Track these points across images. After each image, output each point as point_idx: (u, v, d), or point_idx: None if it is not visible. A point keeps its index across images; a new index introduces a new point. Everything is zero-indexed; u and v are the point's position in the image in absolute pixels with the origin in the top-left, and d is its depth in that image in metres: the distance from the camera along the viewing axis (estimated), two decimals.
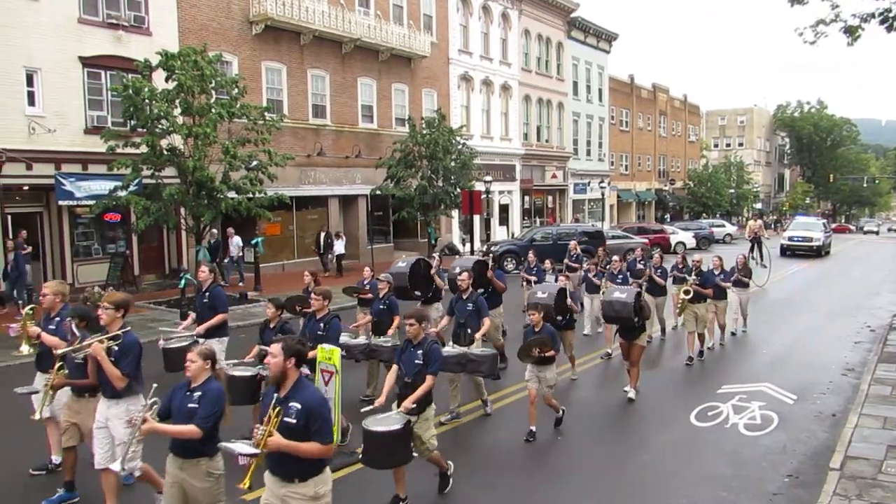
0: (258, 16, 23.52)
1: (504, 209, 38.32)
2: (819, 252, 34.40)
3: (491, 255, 13.37)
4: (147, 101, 16.31)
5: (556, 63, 42.40)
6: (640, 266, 15.22)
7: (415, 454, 6.44)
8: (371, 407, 6.68)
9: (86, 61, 19.01)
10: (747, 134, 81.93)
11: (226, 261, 21.24)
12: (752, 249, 26.44)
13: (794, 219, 44.21)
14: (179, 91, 16.48)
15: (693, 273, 13.03)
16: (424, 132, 25.69)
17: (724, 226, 48.43)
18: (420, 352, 6.66)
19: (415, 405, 6.45)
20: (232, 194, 17.49)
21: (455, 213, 30.08)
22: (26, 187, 18.42)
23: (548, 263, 15.11)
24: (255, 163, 17.52)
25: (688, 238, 38.06)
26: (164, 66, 16.57)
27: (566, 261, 17.11)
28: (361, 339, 9.68)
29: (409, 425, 6.29)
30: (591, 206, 47.14)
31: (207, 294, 9.14)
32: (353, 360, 9.67)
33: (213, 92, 17.54)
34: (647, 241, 32.56)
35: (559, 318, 10.17)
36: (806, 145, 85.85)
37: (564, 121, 43.42)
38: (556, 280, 12.96)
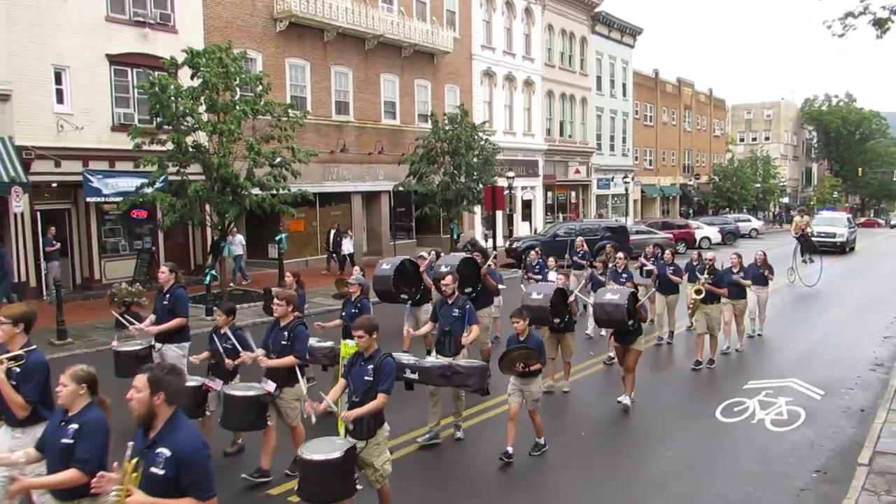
0: (282, 13, 23.66)
1: (527, 205, 38.21)
2: (843, 248, 33.24)
3: (476, 250, 11.74)
4: (173, 98, 16.46)
5: (579, 58, 42.15)
6: (648, 266, 14.35)
7: (359, 486, 5.62)
8: (306, 416, 6.19)
9: (113, 59, 19.26)
10: (774, 128, 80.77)
11: (230, 259, 20.68)
12: (801, 251, 23.38)
13: (817, 213, 43.13)
14: (204, 88, 16.62)
15: (706, 272, 12.01)
16: (447, 128, 25.69)
17: (749, 220, 47.89)
18: (371, 367, 5.79)
19: (353, 424, 5.75)
20: (256, 191, 17.62)
21: (478, 208, 30.05)
22: (55, 184, 18.72)
23: (552, 262, 14.10)
24: (278, 159, 17.63)
25: (713, 233, 37.72)
26: (190, 64, 16.70)
27: (571, 258, 16.53)
28: (329, 343, 8.95)
29: (352, 453, 5.51)
30: (615, 201, 46.84)
31: (168, 296, 8.40)
32: (319, 365, 9.22)
33: (238, 89, 17.66)
34: (671, 236, 32.38)
35: (557, 320, 9.63)
36: (834, 139, 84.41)
37: (588, 116, 43.16)
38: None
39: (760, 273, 13.79)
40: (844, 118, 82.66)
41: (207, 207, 18.04)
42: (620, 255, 13.10)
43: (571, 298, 10.51)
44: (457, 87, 32.14)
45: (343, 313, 9.62)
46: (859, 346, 13.54)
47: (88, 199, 18.83)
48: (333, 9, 24.87)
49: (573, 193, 43.11)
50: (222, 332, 7.48)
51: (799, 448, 8.15)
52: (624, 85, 47.54)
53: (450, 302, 8.51)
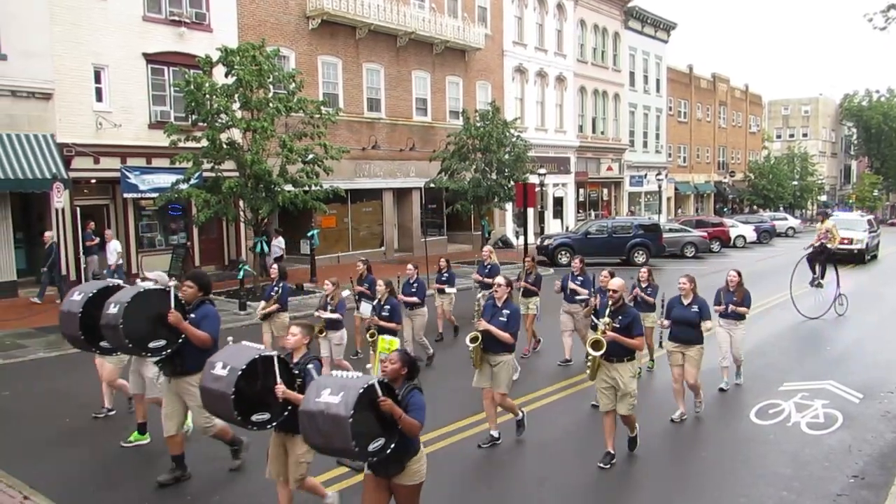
0: (315, 11, 23.83)
1: (558, 202, 38.03)
2: (862, 256, 28.16)
3: (176, 283, 7.02)
4: (207, 96, 16.69)
5: (612, 54, 41.79)
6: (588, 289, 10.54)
7: None
8: None
9: (150, 58, 19.61)
10: (812, 124, 79.26)
11: (104, 271, 18.29)
12: (812, 264, 16.82)
13: (833, 215, 39.23)
14: (238, 86, 16.82)
15: (609, 311, 7.35)
16: (478, 125, 25.67)
17: (786, 219, 47.05)
18: None
19: None
20: (289, 187, 17.80)
21: (509, 205, 30.01)
22: (94, 180, 19.16)
23: (381, 287, 9.91)
24: (311, 156, 17.78)
25: (748, 231, 37.13)
26: (224, 62, 16.92)
27: (482, 277, 12.53)
28: None
29: None
30: (648, 198, 46.38)
31: None
32: None
33: (271, 86, 17.85)
34: (705, 234, 31.96)
35: (264, 416, 5.21)
36: (874, 135, 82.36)
37: (620, 112, 42.79)
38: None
39: (733, 301, 10.10)
40: (886, 114, 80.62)
41: (241, 204, 18.26)
42: (501, 280, 7.96)
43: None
44: (488, 84, 32.08)
45: None
46: None
47: (126, 195, 19.23)
48: (365, 6, 24.99)
49: (605, 191, 42.79)
50: None
51: (835, 452, 7.99)
52: (657, 81, 47.03)
53: None
